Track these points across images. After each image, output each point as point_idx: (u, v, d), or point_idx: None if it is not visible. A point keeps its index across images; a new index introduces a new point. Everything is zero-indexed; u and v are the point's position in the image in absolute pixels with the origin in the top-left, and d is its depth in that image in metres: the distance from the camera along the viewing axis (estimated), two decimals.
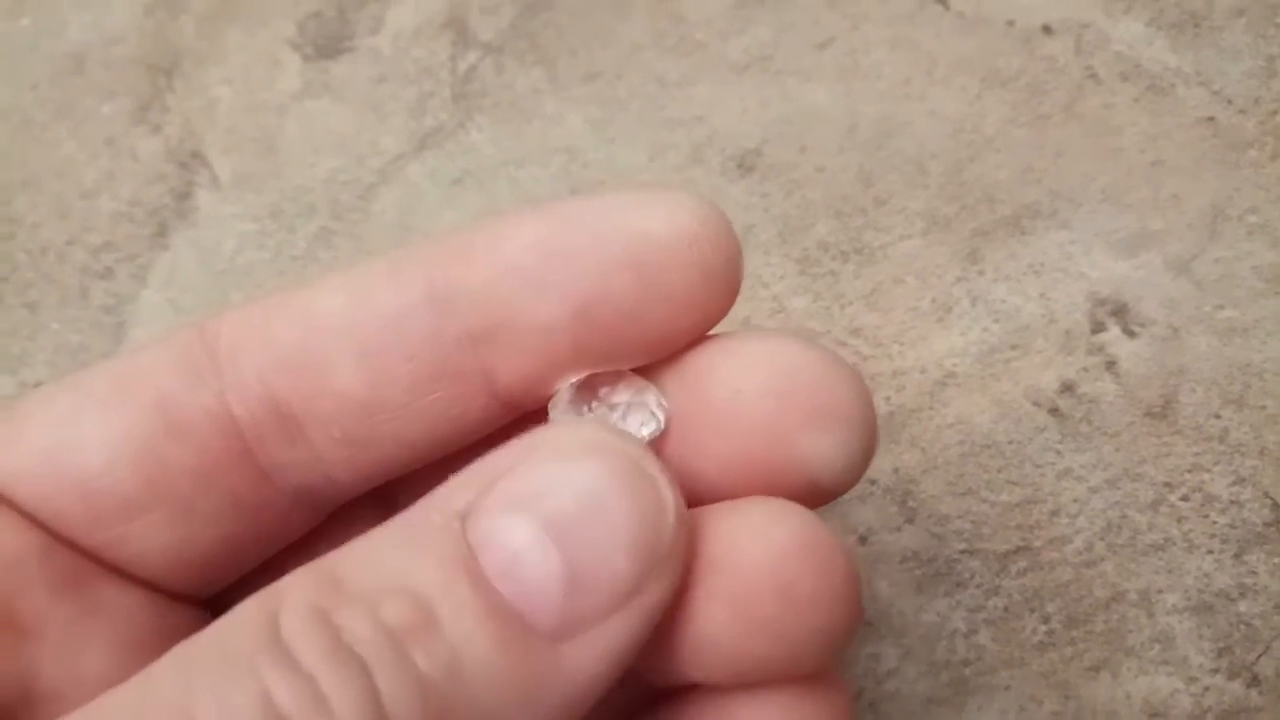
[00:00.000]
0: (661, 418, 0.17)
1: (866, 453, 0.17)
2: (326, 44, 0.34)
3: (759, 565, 0.16)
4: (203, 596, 0.19)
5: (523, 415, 0.19)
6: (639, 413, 0.17)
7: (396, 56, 0.34)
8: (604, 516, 0.15)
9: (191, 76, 0.34)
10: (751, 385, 0.17)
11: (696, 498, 0.17)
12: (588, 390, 0.18)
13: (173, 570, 0.18)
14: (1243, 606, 0.25)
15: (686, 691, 0.18)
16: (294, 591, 0.15)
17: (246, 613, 0.14)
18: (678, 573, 0.16)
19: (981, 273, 0.29)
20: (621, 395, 0.17)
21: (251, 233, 0.31)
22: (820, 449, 0.17)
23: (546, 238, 0.17)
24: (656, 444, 0.17)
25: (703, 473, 0.17)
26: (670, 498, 0.16)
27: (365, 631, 0.14)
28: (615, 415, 0.17)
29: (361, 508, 0.20)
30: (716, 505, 0.17)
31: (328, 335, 0.18)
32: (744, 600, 0.16)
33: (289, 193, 0.32)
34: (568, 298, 0.17)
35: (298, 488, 0.19)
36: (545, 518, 0.15)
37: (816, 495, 0.17)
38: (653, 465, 0.16)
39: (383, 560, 0.15)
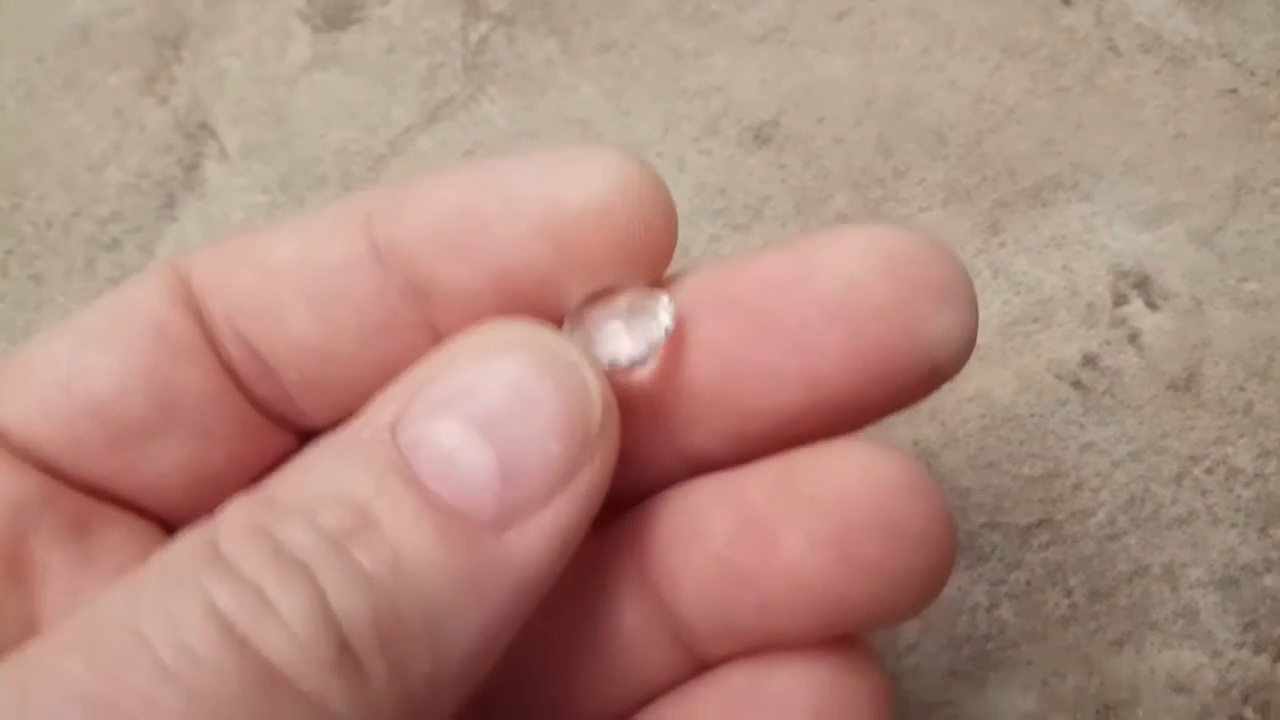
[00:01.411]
0: (659, 329, 0.17)
1: (976, 332, 0.16)
2: (336, 14, 0.34)
3: (865, 504, 0.16)
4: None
5: None
6: (637, 324, 0.17)
7: (407, 27, 0.33)
8: (530, 405, 0.15)
9: (199, 47, 0.33)
10: (868, 273, 0.16)
11: (812, 401, 0.16)
12: (597, 305, 0.17)
13: (187, 492, 0.19)
14: (1268, 580, 0.25)
15: (721, 665, 0.18)
16: (231, 514, 0.15)
17: (186, 539, 0.14)
18: (611, 454, 0.16)
19: (1003, 245, 0.29)
20: (620, 314, 0.17)
21: (261, 205, 0.31)
22: (945, 329, 0.16)
23: (465, 202, 0.17)
24: (748, 357, 0.17)
25: (819, 374, 0.16)
26: (593, 380, 0.16)
27: (304, 538, 0.14)
28: (609, 331, 0.17)
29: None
30: (809, 447, 0.16)
31: (281, 283, 0.18)
32: (849, 541, 0.15)
33: (299, 164, 0.31)
34: (484, 266, 0.17)
35: (278, 416, 0.19)
36: (473, 415, 0.15)
37: (935, 380, 0.16)
38: (572, 352, 0.16)
39: (316, 476, 0.15)
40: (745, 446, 0.17)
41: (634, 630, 0.18)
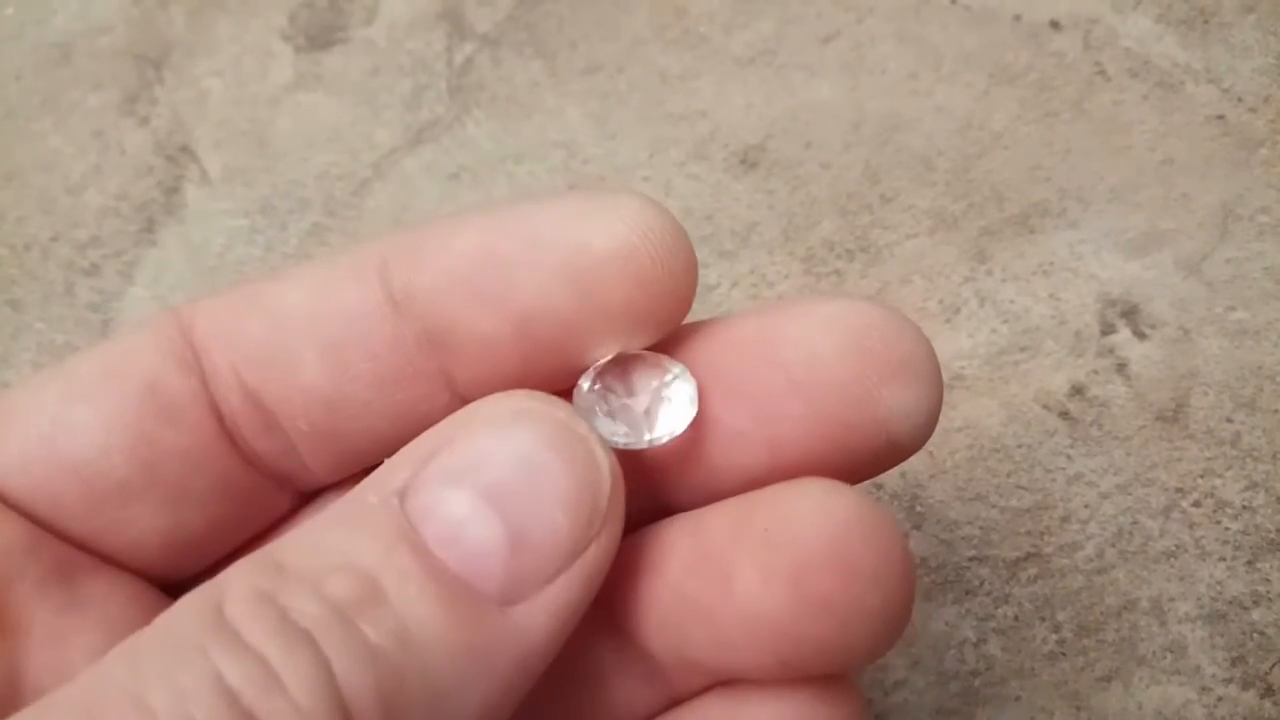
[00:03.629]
0: (691, 411, 0.17)
1: (939, 408, 0.17)
2: (319, 35, 0.33)
3: (819, 540, 0.15)
4: (188, 578, 0.19)
5: None
6: (666, 406, 0.17)
7: (391, 48, 0.33)
8: (541, 479, 0.15)
9: (181, 68, 0.33)
10: (829, 346, 0.16)
11: (773, 464, 0.17)
12: (614, 375, 0.17)
13: (165, 554, 0.18)
14: (1256, 615, 0.25)
15: (698, 697, 0.17)
16: (235, 578, 0.14)
17: (190, 603, 0.14)
18: (618, 529, 0.16)
19: (990, 273, 0.29)
20: (644, 390, 0.17)
21: (242, 229, 0.31)
22: (902, 404, 0.16)
23: (486, 247, 0.17)
24: (717, 416, 0.17)
25: (779, 439, 0.17)
26: (603, 456, 0.16)
27: (311, 608, 0.14)
28: (639, 412, 0.17)
29: (347, 488, 0.20)
30: (769, 487, 0.16)
31: (292, 331, 0.17)
32: (803, 577, 0.15)
33: (281, 187, 0.31)
34: (506, 311, 0.17)
35: (276, 473, 0.19)
36: (483, 486, 0.15)
37: (893, 454, 0.17)
38: (583, 426, 0.16)
39: (323, 542, 0.15)
40: (712, 501, 0.17)
41: (607, 666, 0.18)
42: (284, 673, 0.13)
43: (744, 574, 0.16)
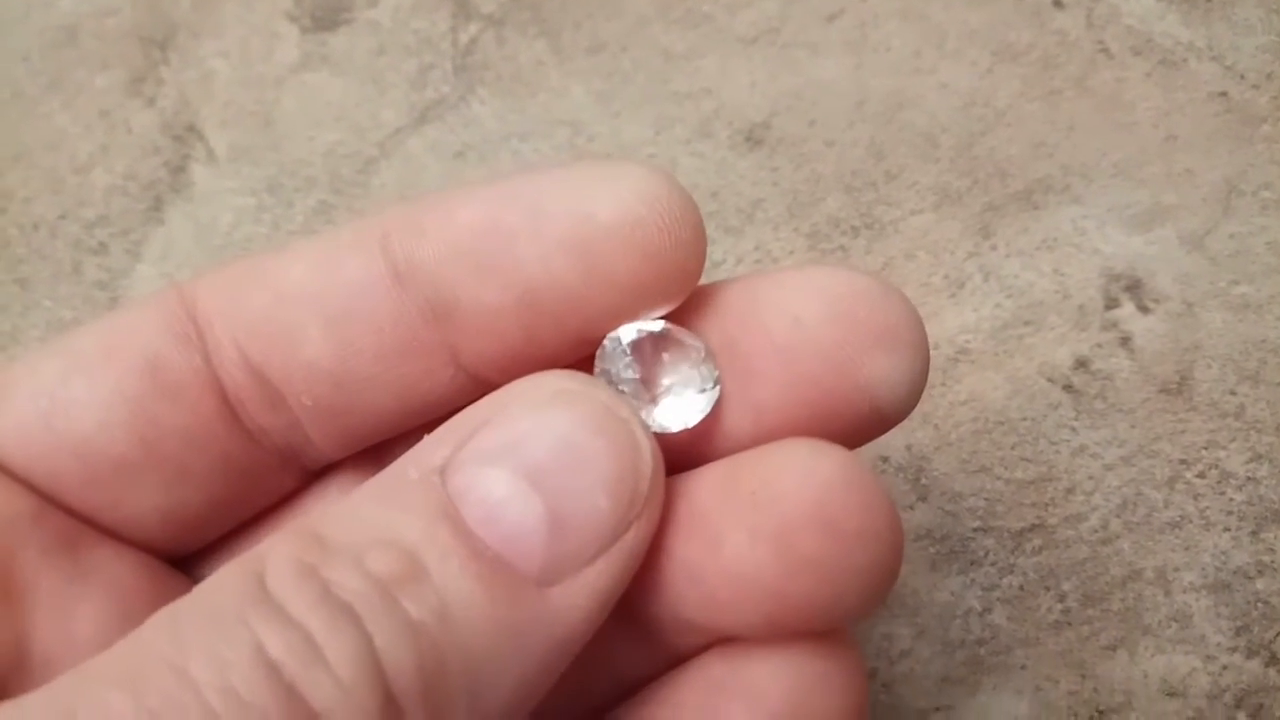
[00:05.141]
0: (714, 393, 0.17)
1: (923, 377, 0.17)
2: (324, 15, 0.33)
3: (804, 500, 0.16)
4: (191, 553, 0.19)
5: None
6: (690, 388, 0.17)
7: (396, 28, 0.33)
8: (582, 461, 0.15)
9: (186, 48, 0.33)
10: (813, 312, 0.16)
11: (757, 429, 0.17)
12: (635, 352, 0.17)
13: (165, 531, 0.18)
14: (1260, 584, 0.25)
15: (699, 655, 0.18)
16: (278, 550, 0.14)
17: (231, 572, 0.14)
18: (657, 513, 0.16)
19: (994, 248, 0.29)
20: (662, 368, 0.17)
21: (249, 207, 0.31)
22: (885, 371, 0.16)
23: (489, 218, 0.17)
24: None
25: (763, 403, 0.17)
26: (644, 439, 0.16)
27: (353, 582, 0.14)
28: (664, 395, 0.17)
29: (354, 465, 0.20)
30: (755, 448, 0.17)
31: (295, 305, 0.17)
32: (788, 537, 0.15)
33: (287, 166, 0.31)
34: (510, 283, 0.16)
35: (282, 449, 0.19)
36: (524, 466, 0.15)
37: (877, 421, 0.17)
38: (624, 409, 0.16)
39: (364, 517, 0.15)
40: (698, 465, 0.17)
41: (606, 628, 0.18)
42: (326, 646, 0.13)
43: (732, 535, 0.16)
